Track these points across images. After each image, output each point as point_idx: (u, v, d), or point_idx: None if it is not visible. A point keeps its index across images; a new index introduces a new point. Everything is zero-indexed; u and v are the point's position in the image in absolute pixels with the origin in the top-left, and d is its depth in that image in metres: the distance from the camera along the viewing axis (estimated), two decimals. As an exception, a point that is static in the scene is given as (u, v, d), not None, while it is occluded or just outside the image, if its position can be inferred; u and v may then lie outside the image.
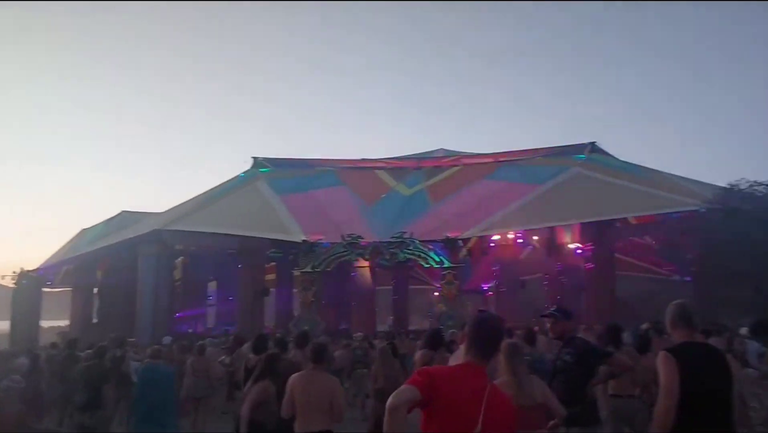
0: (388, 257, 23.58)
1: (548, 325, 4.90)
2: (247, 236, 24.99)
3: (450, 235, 22.93)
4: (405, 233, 22.97)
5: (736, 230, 17.63)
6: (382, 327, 25.32)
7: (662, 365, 3.29)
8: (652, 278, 25.94)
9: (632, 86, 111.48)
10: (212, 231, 24.85)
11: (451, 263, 23.03)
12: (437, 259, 23.04)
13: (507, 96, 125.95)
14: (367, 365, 11.72)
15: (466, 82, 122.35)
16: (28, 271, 27.15)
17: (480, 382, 2.43)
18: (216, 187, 29.45)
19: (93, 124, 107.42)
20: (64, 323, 29.42)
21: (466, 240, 23.61)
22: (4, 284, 26.92)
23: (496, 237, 24.94)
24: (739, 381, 4.29)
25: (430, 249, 23.00)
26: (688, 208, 20.73)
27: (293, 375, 5.05)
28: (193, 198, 29.14)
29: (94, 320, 27.85)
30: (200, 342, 11.25)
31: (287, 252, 26.10)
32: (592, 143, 27.55)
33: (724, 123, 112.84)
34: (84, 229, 31.63)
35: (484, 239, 24.96)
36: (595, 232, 24.72)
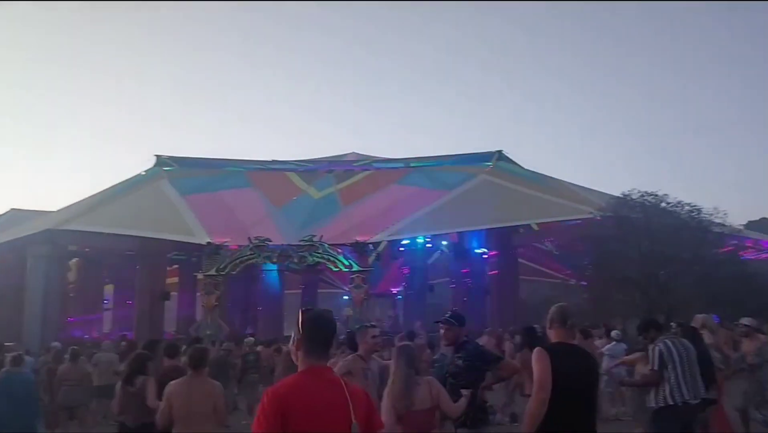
0: (296, 260, 22.75)
1: (441, 331, 4.79)
2: (147, 237, 23.68)
3: (359, 239, 22.39)
4: (314, 236, 22.22)
5: (626, 237, 18.07)
6: (289, 332, 24.19)
7: (537, 361, 3.38)
8: (552, 283, 26.49)
9: (540, 93, 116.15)
10: (109, 231, 23.29)
11: (361, 266, 22.46)
12: (346, 263, 22.44)
13: (418, 100, 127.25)
14: (259, 371, 11.55)
15: (381, 84, 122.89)
16: None
17: (334, 380, 2.34)
18: (115, 185, 27.49)
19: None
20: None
21: (375, 244, 23.08)
22: None
23: (405, 242, 24.69)
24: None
25: (339, 253, 22.40)
26: (584, 216, 21.14)
27: (171, 383, 4.72)
28: (90, 197, 27.12)
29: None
30: (73, 347, 10.24)
31: (191, 255, 24.70)
32: (499, 151, 27.87)
33: (628, 132, 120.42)
34: (-34, 227, 28.49)
35: (393, 244, 24.58)
36: (501, 237, 24.95)
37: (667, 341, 5.24)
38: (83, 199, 26.97)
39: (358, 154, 31.74)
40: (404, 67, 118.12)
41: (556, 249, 26.00)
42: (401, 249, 25.19)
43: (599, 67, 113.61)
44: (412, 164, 28.83)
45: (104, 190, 27.11)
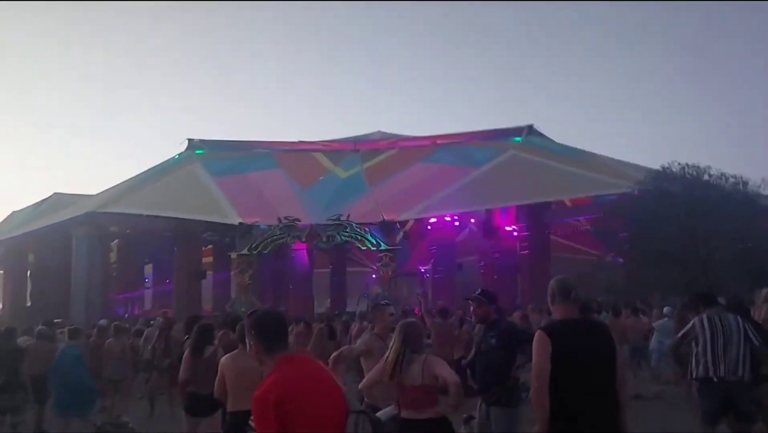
0: (325, 239, 22.30)
1: (471, 308, 4.69)
2: (182, 219, 23.53)
3: (387, 217, 21.64)
4: (342, 215, 21.63)
5: (665, 212, 16.74)
6: (320, 309, 23.84)
7: (535, 345, 3.09)
8: (587, 260, 25.06)
9: (571, 69, 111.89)
10: (147, 213, 23.22)
11: (388, 245, 21.83)
12: (374, 241, 21.82)
13: (444, 77, 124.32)
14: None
15: (404, 62, 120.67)
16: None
17: (309, 361, 2.40)
18: (150, 169, 27.50)
19: (23, 105, 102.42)
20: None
21: (403, 223, 22.28)
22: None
23: (432, 220, 23.81)
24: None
25: (367, 232, 21.76)
26: (621, 191, 20.03)
27: (225, 356, 4.67)
28: (128, 180, 27.24)
29: (28, 303, 26.64)
30: (115, 323, 10.48)
31: (224, 235, 24.58)
32: (530, 126, 26.38)
33: (662, 107, 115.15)
34: (14, 211, 29.76)
35: (421, 222, 23.77)
36: (532, 214, 23.65)
37: (704, 316, 4.98)
38: (121, 183, 27.10)
39: (383, 132, 30.75)
40: (430, 43, 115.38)
41: (590, 225, 24.53)
42: (429, 227, 24.22)
43: (636, 35, 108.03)
44: (438, 142, 27.67)
45: (140, 174, 27.14)
